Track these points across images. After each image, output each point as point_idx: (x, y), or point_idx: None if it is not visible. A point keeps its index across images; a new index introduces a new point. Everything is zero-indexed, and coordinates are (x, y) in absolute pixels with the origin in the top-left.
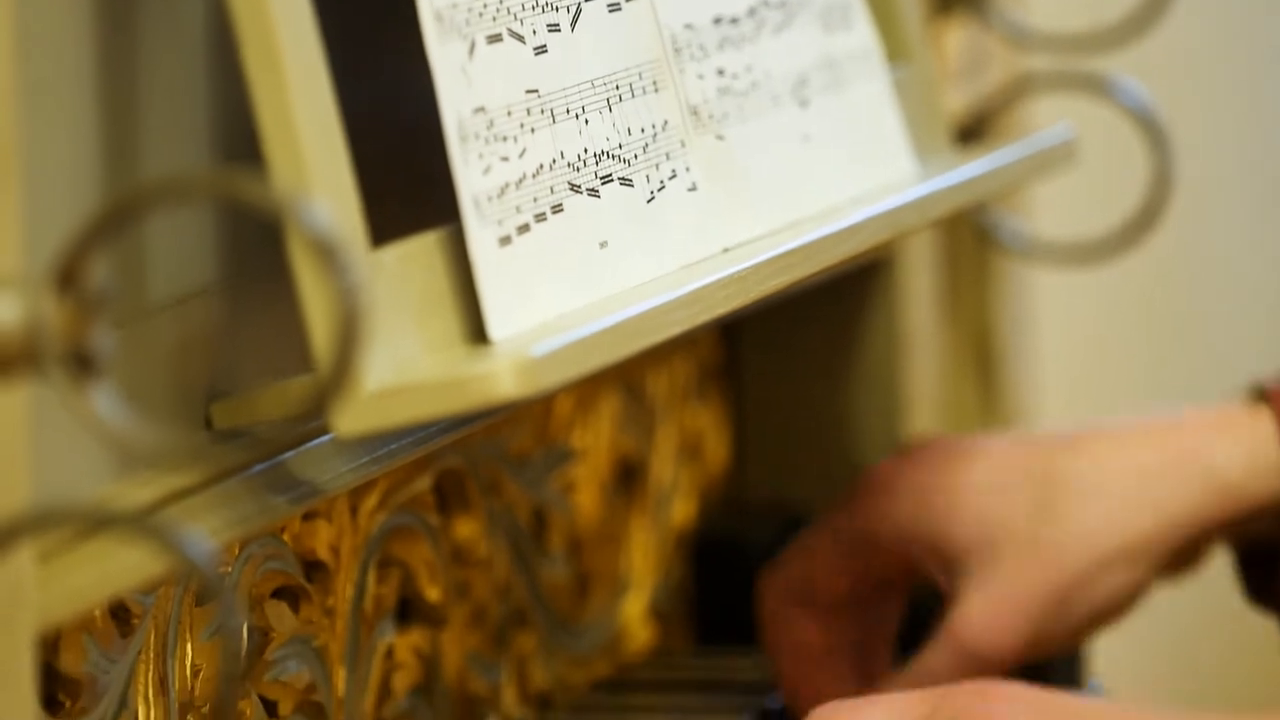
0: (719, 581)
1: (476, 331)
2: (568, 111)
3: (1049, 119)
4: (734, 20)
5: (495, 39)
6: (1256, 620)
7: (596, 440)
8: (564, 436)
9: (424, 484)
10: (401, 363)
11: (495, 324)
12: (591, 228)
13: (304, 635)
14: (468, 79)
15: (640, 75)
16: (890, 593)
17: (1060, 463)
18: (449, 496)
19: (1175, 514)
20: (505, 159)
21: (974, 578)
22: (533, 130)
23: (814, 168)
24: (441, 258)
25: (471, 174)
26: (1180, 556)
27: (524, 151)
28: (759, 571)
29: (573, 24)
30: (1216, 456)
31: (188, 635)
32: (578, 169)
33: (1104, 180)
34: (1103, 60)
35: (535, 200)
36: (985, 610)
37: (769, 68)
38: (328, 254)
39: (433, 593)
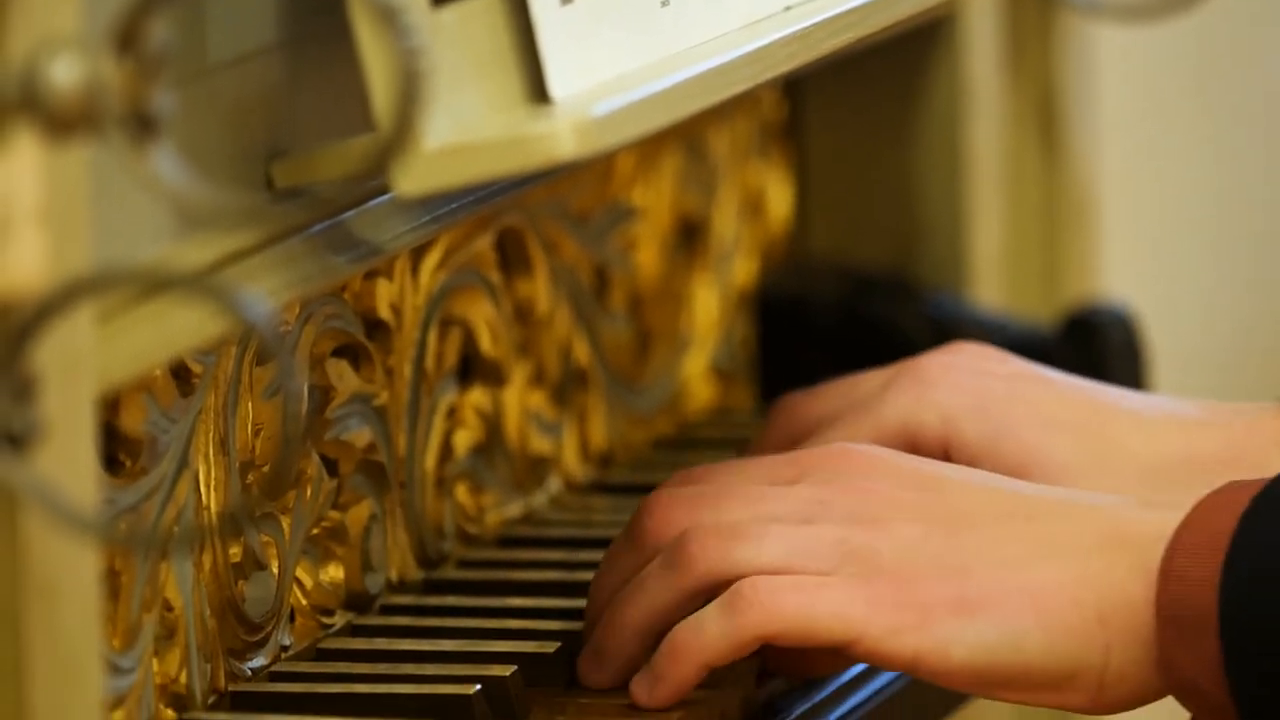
0: (780, 339)
1: (538, 91)
2: None
3: None
4: None
5: None
6: None
7: (658, 198)
8: (625, 194)
9: (485, 243)
10: (462, 122)
11: (556, 83)
12: None
13: (365, 394)
14: None
15: None
16: None
17: (1119, 426)
18: (510, 255)
19: None
20: None
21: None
22: None
23: None
24: (502, 17)
25: None
26: None
27: None
28: (821, 329)
29: None
30: (1267, 461)
31: (248, 394)
32: None
33: None
34: None
35: None
36: None
37: None
38: (388, 14)
39: (494, 351)
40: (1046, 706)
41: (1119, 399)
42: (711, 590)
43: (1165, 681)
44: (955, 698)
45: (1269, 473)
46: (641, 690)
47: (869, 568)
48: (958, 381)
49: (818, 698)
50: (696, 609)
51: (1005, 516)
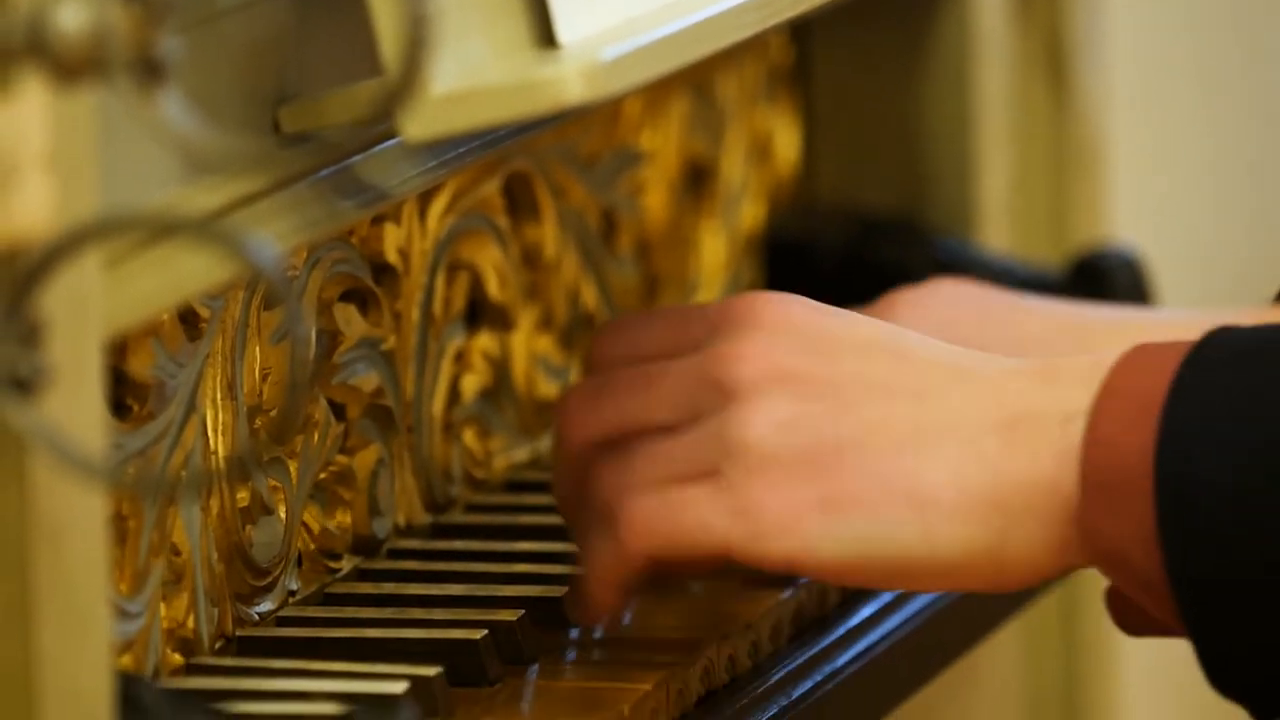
0: (788, 283)
1: (545, 36)
2: None
3: None
4: None
5: None
6: None
7: (665, 142)
8: (633, 139)
9: (492, 187)
10: (469, 67)
11: (563, 28)
12: None
13: (372, 338)
14: None
15: None
16: None
17: (1101, 343)
18: (518, 199)
19: None
20: None
21: None
22: None
23: None
24: None
25: None
26: None
27: None
28: (828, 273)
29: None
30: None
31: (256, 339)
32: None
33: None
34: None
35: None
36: None
37: None
38: None
39: (502, 296)
40: (942, 591)
41: (1094, 315)
42: (606, 507)
43: (1084, 553)
44: (914, 677)
45: None
46: (575, 615)
47: (737, 464)
48: (930, 317)
49: (729, 711)
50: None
51: (893, 394)
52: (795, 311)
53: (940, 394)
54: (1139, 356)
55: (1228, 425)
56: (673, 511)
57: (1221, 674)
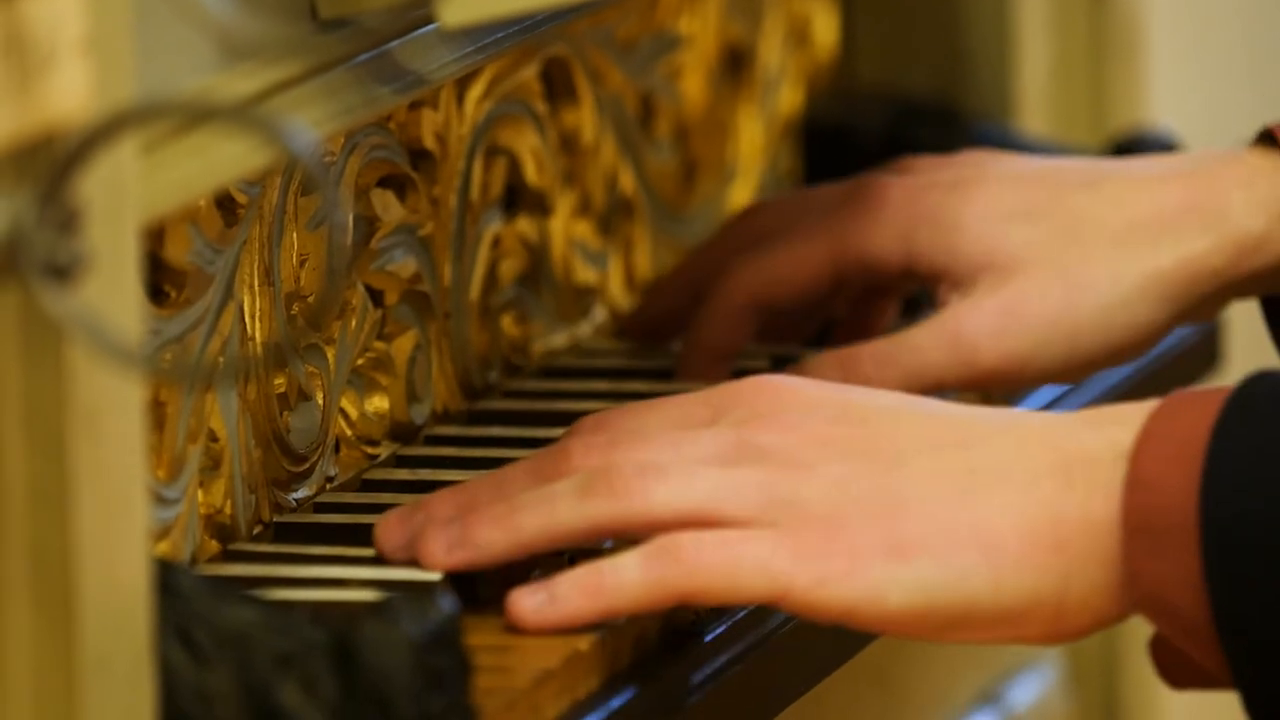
0: (826, 168)
1: None
2: None
3: None
4: None
5: None
6: None
7: (704, 26)
8: (671, 23)
9: (530, 72)
10: None
11: None
12: None
13: (410, 224)
14: None
15: None
16: (877, 301)
17: (1080, 199)
18: (555, 84)
19: (1194, 259)
20: None
21: (981, 287)
22: None
23: None
24: None
25: None
26: (1198, 305)
27: None
28: (867, 158)
29: None
30: (1231, 204)
31: (293, 225)
32: None
33: None
34: None
35: None
36: (990, 310)
37: None
38: None
39: (539, 181)
40: (1001, 644)
41: (1078, 171)
42: (622, 529)
43: (1130, 598)
44: None
45: (1230, 212)
46: (528, 606)
47: (795, 515)
48: (908, 196)
49: (738, 616)
50: (596, 543)
51: (939, 447)
52: (811, 388)
53: (986, 443)
54: (1180, 400)
55: (1273, 467)
56: (732, 550)
57: None
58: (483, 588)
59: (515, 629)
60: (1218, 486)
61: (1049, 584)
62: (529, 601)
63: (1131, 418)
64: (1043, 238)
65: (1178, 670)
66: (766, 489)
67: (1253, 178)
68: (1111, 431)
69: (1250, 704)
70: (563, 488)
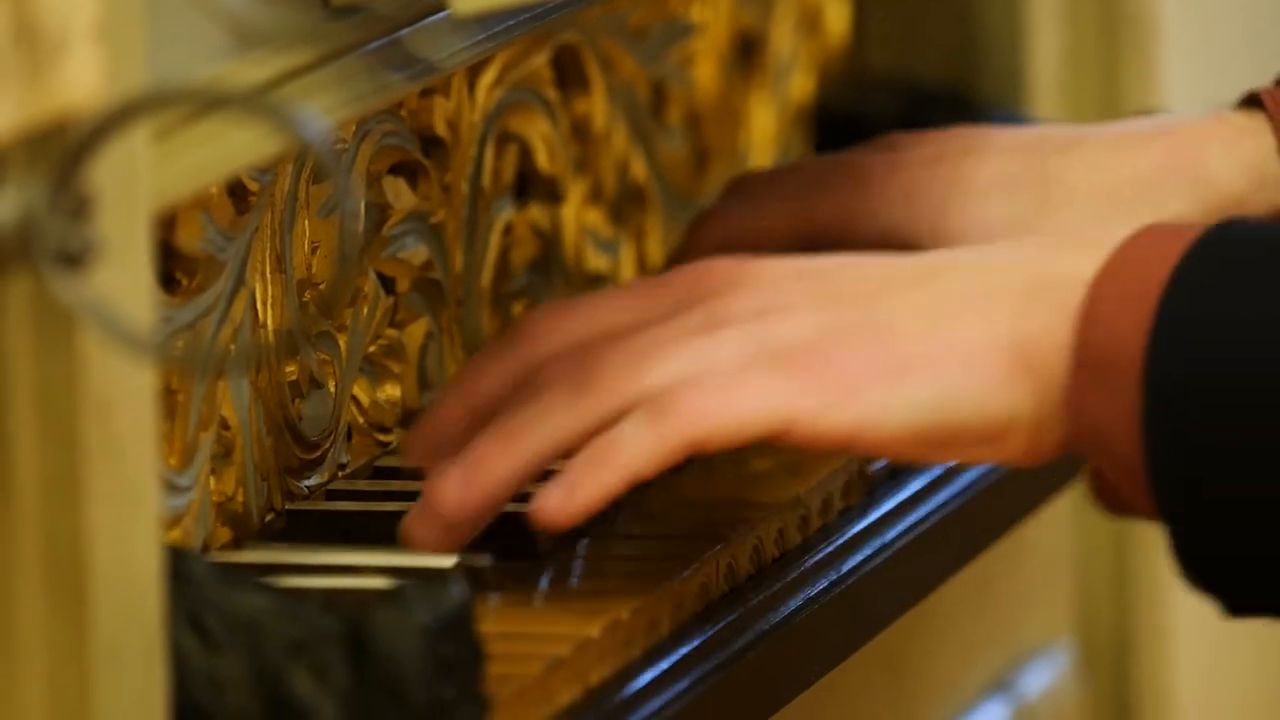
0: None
1: None
2: None
3: None
4: None
5: None
6: None
7: (715, 13)
8: (682, 10)
9: (541, 60)
10: None
11: None
12: None
13: (422, 211)
14: None
15: None
16: None
17: (1056, 165)
18: (567, 72)
19: (1172, 221)
20: None
21: None
22: None
23: None
24: None
25: None
26: None
27: None
28: None
29: None
30: (1211, 165)
31: (305, 212)
32: None
33: None
34: None
35: None
36: None
37: None
38: None
39: (551, 168)
40: (983, 462)
41: (1058, 137)
42: (622, 413)
43: (1071, 427)
44: (963, 552)
45: (1210, 174)
46: (552, 504)
47: (784, 354)
48: (888, 170)
49: (779, 585)
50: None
51: (907, 283)
52: (765, 259)
53: (953, 272)
54: (1150, 234)
55: (1224, 317)
56: (728, 393)
57: (1193, 567)
58: (541, 541)
59: (549, 528)
60: (1167, 332)
61: (1024, 403)
62: (550, 501)
63: (1101, 245)
64: (1021, 209)
65: (1113, 499)
66: (751, 339)
67: (1236, 138)
68: (1079, 257)
69: (1176, 547)
70: (552, 397)
